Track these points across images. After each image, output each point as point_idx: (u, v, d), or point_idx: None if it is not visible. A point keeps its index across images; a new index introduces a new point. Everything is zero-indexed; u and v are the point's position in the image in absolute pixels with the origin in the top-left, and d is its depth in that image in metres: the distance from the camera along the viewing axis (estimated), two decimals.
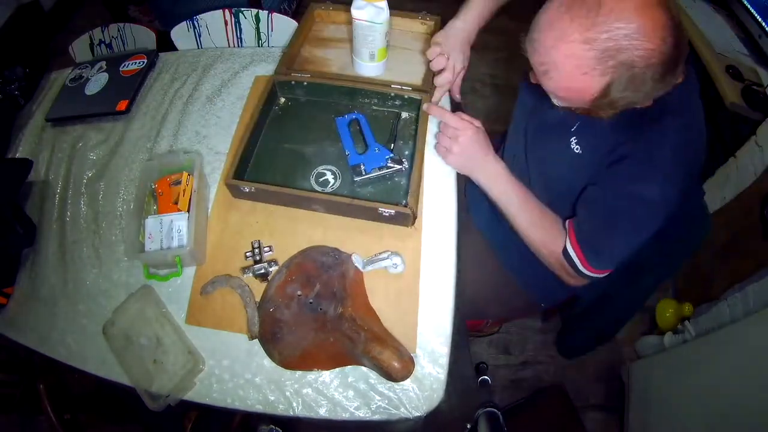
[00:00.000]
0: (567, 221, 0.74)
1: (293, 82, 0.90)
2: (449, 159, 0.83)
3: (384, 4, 0.83)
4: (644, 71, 0.54)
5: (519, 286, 0.94)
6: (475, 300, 0.94)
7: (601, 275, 0.72)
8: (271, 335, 0.70)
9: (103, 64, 1.07)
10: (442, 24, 1.02)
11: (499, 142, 1.01)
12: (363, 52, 0.89)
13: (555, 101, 0.66)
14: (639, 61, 0.53)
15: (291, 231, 0.80)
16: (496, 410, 1.06)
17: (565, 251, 0.73)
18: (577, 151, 0.71)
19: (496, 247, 0.95)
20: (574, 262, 0.71)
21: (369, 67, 0.92)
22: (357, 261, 0.74)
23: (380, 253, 0.76)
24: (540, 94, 0.71)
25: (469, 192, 1.00)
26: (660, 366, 1.24)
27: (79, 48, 1.26)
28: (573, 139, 0.72)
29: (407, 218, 0.75)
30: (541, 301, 0.96)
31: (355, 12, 0.83)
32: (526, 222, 0.78)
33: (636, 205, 0.65)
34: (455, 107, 0.98)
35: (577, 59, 0.55)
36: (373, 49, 0.88)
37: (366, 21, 0.83)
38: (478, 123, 0.81)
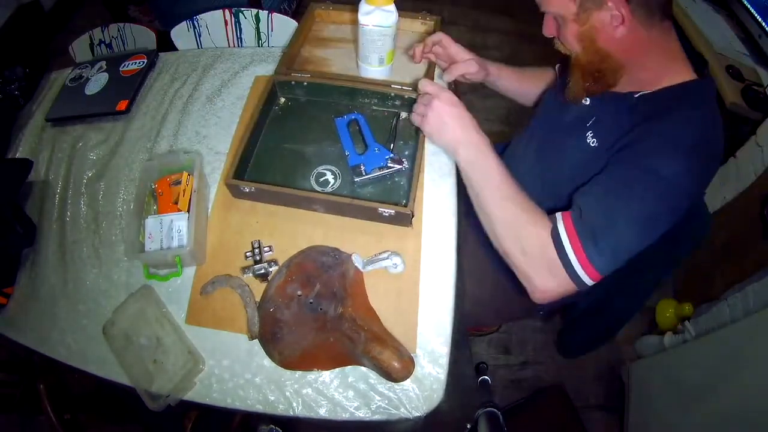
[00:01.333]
0: (562, 215, 0.64)
1: (293, 82, 0.90)
2: (423, 125, 0.74)
3: (392, 7, 0.82)
4: None
5: (517, 293, 0.93)
6: (475, 310, 0.94)
7: (595, 280, 0.61)
8: (271, 335, 0.70)
9: (103, 64, 1.07)
10: (442, 24, 1.02)
11: (500, 150, 1.01)
12: (372, 57, 0.89)
13: (549, 9, 0.68)
14: None
15: (291, 231, 0.80)
16: (496, 410, 1.06)
17: (555, 233, 0.62)
18: (593, 145, 0.71)
19: (494, 254, 0.94)
20: (565, 252, 0.60)
21: (378, 71, 0.92)
22: (357, 261, 0.74)
23: (380, 253, 0.76)
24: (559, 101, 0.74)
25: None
26: (660, 366, 1.24)
27: (79, 48, 1.26)
28: (589, 134, 0.72)
29: (407, 218, 0.75)
30: (539, 309, 0.96)
31: (362, 18, 0.82)
32: (501, 198, 0.67)
33: (651, 180, 0.58)
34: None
35: None
36: (382, 53, 0.88)
37: (375, 26, 0.82)
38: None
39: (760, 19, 1.22)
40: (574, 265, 0.60)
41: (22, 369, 0.99)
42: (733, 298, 1.09)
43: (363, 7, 0.82)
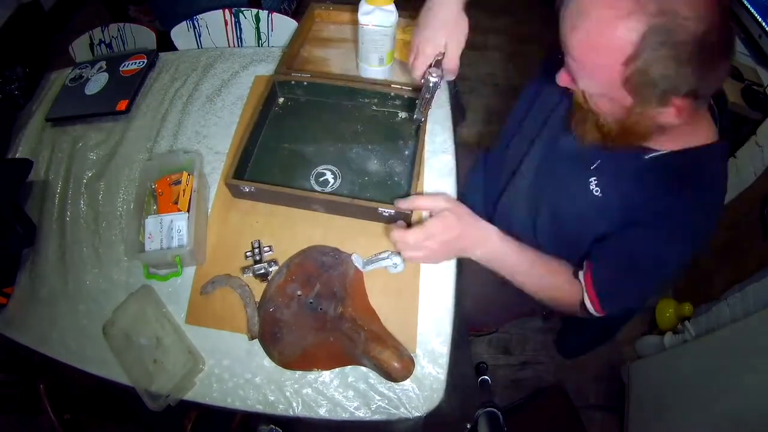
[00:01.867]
0: (583, 272, 0.70)
1: (293, 82, 0.90)
2: (425, 260, 0.75)
3: (392, 7, 0.81)
4: (685, 39, 0.47)
5: (517, 293, 0.93)
6: (475, 310, 0.93)
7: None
8: (271, 335, 0.70)
9: (103, 64, 1.07)
10: None
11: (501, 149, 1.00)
12: (372, 57, 0.88)
13: (580, 82, 0.57)
14: (682, 20, 0.46)
15: (291, 231, 0.80)
16: (496, 410, 1.06)
17: (582, 304, 0.71)
18: (596, 194, 0.68)
19: None
20: (588, 310, 0.70)
21: (378, 71, 0.92)
22: (357, 261, 0.74)
23: (380, 253, 0.76)
24: (556, 104, 0.69)
25: (467, 198, 0.98)
26: (660, 366, 1.24)
27: (79, 48, 1.26)
28: (593, 180, 0.68)
29: (407, 219, 0.75)
30: (541, 310, 0.97)
31: (362, 18, 0.81)
32: (537, 283, 0.74)
33: (662, 267, 0.65)
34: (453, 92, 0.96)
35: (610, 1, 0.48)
36: (382, 53, 0.88)
37: (375, 26, 0.82)
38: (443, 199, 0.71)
39: (760, 19, 1.22)
40: (595, 314, 0.71)
41: (22, 369, 0.99)
42: (733, 298, 1.09)
43: (363, 7, 0.81)
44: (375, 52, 0.88)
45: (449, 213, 0.69)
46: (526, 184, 0.81)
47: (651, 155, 0.63)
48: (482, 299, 0.95)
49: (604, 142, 0.63)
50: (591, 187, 0.68)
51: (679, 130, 0.59)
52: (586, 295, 0.69)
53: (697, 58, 0.48)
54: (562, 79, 0.60)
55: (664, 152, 0.62)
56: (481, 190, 0.98)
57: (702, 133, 0.62)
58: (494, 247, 0.71)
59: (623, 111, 0.56)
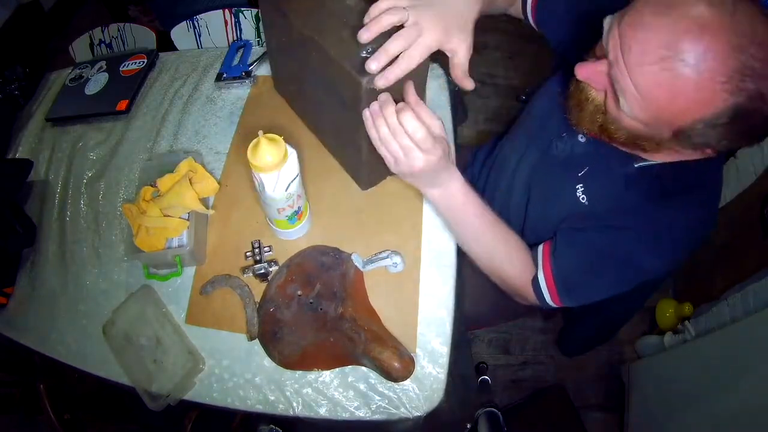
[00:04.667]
0: (541, 249, 0.69)
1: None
2: (396, 166, 0.60)
3: (280, 174, 0.61)
4: (756, 122, 0.47)
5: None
6: (475, 310, 0.93)
7: (557, 307, 0.69)
8: (271, 335, 0.70)
9: (103, 63, 1.07)
10: None
11: (492, 144, 1.00)
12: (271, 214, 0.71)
13: (621, 99, 0.51)
14: (763, 105, 0.45)
15: None
16: (496, 410, 1.06)
17: (535, 282, 0.68)
18: (582, 201, 0.67)
19: None
20: (542, 293, 0.68)
21: (281, 233, 0.76)
22: (357, 260, 0.74)
23: (380, 253, 0.76)
24: (558, 111, 0.66)
25: None
26: (660, 366, 1.24)
27: (79, 48, 1.26)
28: (579, 187, 0.67)
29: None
30: (540, 307, 0.96)
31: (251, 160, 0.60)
32: (488, 251, 0.70)
33: (631, 270, 0.64)
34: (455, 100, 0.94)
35: (718, 62, 0.44)
36: (277, 216, 0.70)
37: (266, 192, 0.63)
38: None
39: None
40: (549, 303, 0.68)
41: (22, 369, 0.99)
42: (733, 298, 1.09)
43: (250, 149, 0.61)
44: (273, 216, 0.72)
45: (443, 140, 0.60)
46: (521, 182, 0.80)
47: (641, 164, 0.62)
48: (482, 299, 0.95)
49: (598, 136, 0.60)
50: (578, 195, 0.67)
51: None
52: (543, 282, 0.67)
53: (755, 135, 0.50)
54: (593, 78, 0.54)
55: (656, 163, 0.61)
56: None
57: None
58: (454, 192, 0.64)
59: (646, 133, 0.54)
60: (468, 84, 0.62)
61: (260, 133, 0.59)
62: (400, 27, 0.56)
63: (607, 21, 0.52)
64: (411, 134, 0.55)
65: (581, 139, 0.68)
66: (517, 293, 0.73)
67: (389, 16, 0.55)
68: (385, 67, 0.56)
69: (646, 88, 0.48)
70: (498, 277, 0.73)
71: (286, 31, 0.72)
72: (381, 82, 0.56)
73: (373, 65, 0.55)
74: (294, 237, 0.78)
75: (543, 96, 0.80)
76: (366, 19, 0.57)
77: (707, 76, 0.45)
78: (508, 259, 0.70)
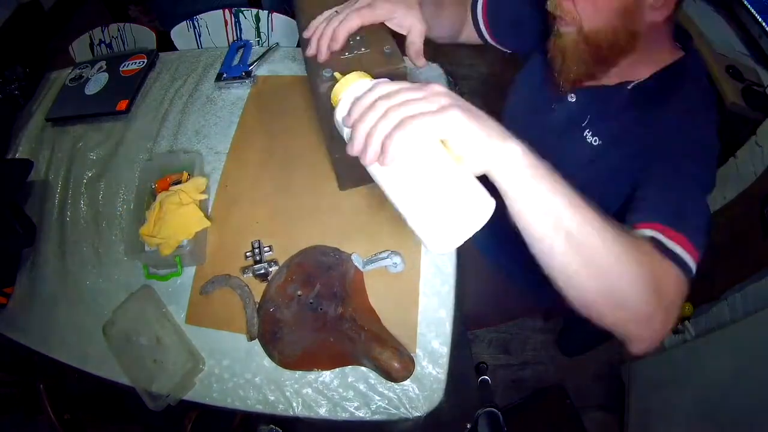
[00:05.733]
0: (647, 224, 0.52)
1: None
2: (449, 113, 0.39)
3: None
4: None
5: (517, 293, 0.92)
6: (475, 310, 0.93)
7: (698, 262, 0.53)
8: (271, 335, 0.70)
9: (103, 63, 1.07)
10: None
11: None
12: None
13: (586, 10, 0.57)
14: None
15: (291, 231, 0.80)
16: (496, 410, 1.06)
17: (673, 255, 0.50)
18: (595, 144, 0.66)
19: (491, 254, 0.93)
20: (684, 261, 0.50)
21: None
22: (357, 261, 0.74)
23: (380, 253, 0.76)
24: (542, 92, 0.67)
25: None
26: (660, 366, 1.24)
27: (79, 48, 1.26)
28: (588, 133, 0.67)
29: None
30: (547, 304, 0.95)
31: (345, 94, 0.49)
32: (603, 252, 0.43)
33: (700, 182, 0.58)
34: None
35: None
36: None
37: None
38: None
39: (760, 19, 1.22)
40: (692, 266, 0.51)
41: (22, 369, 0.99)
42: (733, 298, 1.09)
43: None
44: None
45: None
46: None
47: (632, 85, 0.64)
48: (482, 299, 0.95)
49: (586, 68, 0.63)
50: (588, 140, 0.67)
51: (649, 51, 0.61)
52: (678, 246, 0.50)
53: None
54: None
55: (644, 78, 0.63)
56: None
57: (669, 52, 0.64)
58: (531, 161, 0.41)
59: (617, 11, 0.57)
60: (421, 62, 0.64)
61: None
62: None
63: None
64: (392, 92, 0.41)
65: (571, 98, 0.70)
66: (652, 302, 0.46)
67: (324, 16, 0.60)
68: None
69: None
70: (612, 295, 0.45)
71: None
72: (311, 49, 0.58)
73: (311, 51, 0.58)
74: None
75: (520, 89, 0.81)
76: (306, 34, 0.60)
77: None
78: (637, 260, 0.45)
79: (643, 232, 0.51)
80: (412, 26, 0.61)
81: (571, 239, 0.41)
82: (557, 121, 0.72)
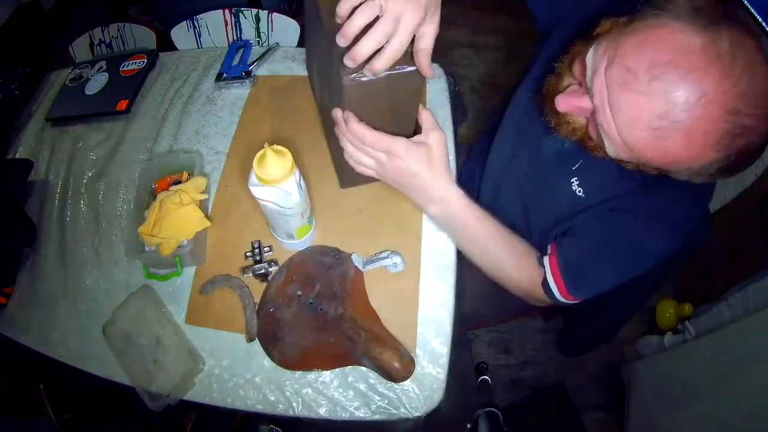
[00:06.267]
0: (549, 248, 0.69)
1: None
2: (375, 172, 0.67)
3: (291, 186, 0.61)
4: (743, 161, 0.47)
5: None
6: (475, 310, 0.93)
7: (573, 302, 0.69)
8: (271, 335, 0.70)
9: (103, 63, 1.07)
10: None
11: (485, 141, 1.00)
12: (279, 232, 0.74)
13: (611, 149, 0.52)
14: (748, 146, 0.45)
15: None
16: (496, 410, 1.06)
17: (544, 282, 0.69)
18: (579, 194, 0.67)
19: None
20: (552, 291, 0.68)
21: (291, 244, 0.77)
22: (357, 260, 0.74)
23: (380, 253, 0.76)
24: (536, 118, 0.66)
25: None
26: (660, 366, 1.24)
27: (79, 48, 1.26)
28: (574, 180, 0.67)
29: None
30: (542, 309, 0.96)
31: (253, 190, 0.62)
32: (494, 258, 0.71)
33: (638, 252, 0.63)
34: None
35: (710, 125, 0.43)
36: (290, 230, 0.72)
37: (271, 204, 0.62)
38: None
39: (760, 19, 1.22)
40: (560, 299, 0.69)
41: (22, 369, 0.99)
42: (733, 298, 1.09)
43: (252, 178, 0.61)
44: (280, 227, 0.72)
45: (427, 149, 0.61)
46: (510, 187, 0.80)
47: None
48: (482, 299, 0.95)
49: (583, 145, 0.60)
50: (573, 188, 0.68)
51: None
52: (552, 281, 0.67)
53: (737, 172, 0.49)
54: (574, 113, 0.55)
55: None
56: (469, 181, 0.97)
57: None
58: (454, 210, 0.65)
59: (630, 162, 0.55)
60: (431, 73, 0.55)
61: (266, 145, 0.59)
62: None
63: (590, 57, 0.49)
64: (371, 144, 0.59)
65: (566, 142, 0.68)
66: (529, 297, 0.74)
67: (361, 15, 0.49)
68: (370, 59, 0.51)
69: (636, 146, 0.48)
70: (507, 284, 0.74)
71: (319, 26, 0.65)
72: (366, 77, 0.53)
73: (349, 63, 0.51)
74: (310, 241, 0.78)
75: (525, 93, 0.79)
76: (338, 20, 0.51)
77: (698, 139, 0.45)
78: (516, 266, 0.71)
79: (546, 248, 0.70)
80: (426, 31, 0.52)
81: (477, 248, 0.71)
82: (551, 147, 0.69)
